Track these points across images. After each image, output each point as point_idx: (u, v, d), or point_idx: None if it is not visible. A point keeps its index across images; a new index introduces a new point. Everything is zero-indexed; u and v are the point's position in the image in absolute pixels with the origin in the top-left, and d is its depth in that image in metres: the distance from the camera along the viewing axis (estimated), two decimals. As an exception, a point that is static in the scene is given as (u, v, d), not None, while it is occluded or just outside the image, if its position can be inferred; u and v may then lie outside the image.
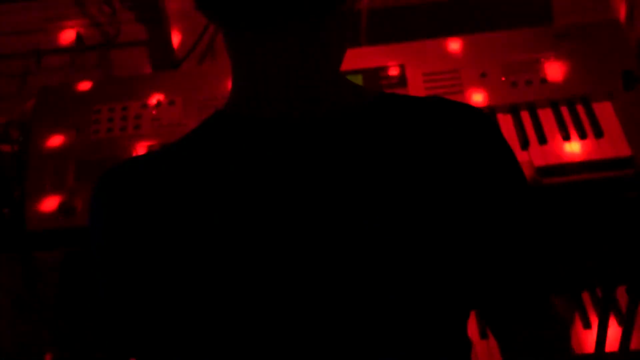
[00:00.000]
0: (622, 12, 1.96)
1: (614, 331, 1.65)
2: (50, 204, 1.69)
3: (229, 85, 0.83)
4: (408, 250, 0.77)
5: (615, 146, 1.63)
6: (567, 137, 1.66)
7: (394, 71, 1.82)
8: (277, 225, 0.77)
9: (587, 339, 1.70)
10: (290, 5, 0.74)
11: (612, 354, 1.57)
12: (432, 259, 0.78)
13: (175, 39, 2.04)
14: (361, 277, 0.77)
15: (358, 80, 1.79)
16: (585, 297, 1.79)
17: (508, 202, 0.83)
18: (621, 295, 1.71)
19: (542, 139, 1.67)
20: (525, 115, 1.73)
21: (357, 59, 1.85)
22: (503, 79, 1.77)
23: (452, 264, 0.80)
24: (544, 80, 1.75)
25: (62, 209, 1.66)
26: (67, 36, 2.10)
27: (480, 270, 0.83)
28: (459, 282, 0.82)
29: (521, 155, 1.63)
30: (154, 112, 1.82)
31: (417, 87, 1.78)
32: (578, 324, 1.74)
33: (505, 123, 1.72)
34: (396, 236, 0.77)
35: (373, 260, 0.77)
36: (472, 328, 1.77)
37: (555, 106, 1.74)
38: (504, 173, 0.83)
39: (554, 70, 1.77)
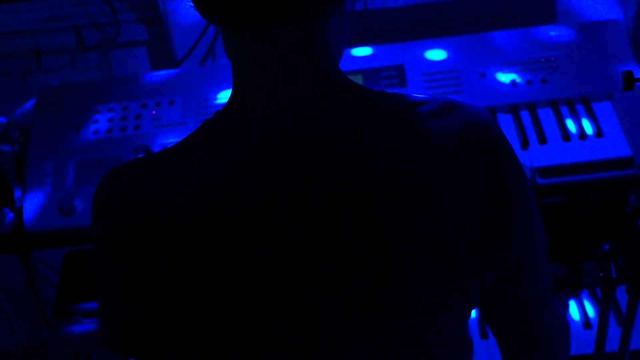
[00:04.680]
0: (622, 13, 1.97)
1: (614, 331, 1.65)
2: (50, 204, 1.69)
3: (229, 85, 0.83)
4: (408, 253, 0.77)
5: (615, 146, 1.63)
6: (567, 137, 1.66)
7: (393, 71, 1.82)
8: (275, 228, 0.77)
9: (587, 339, 1.70)
10: (289, 4, 0.74)
11: (612, 354, 1.57)
12: (431, 261, 0.78)
13: (175, 39, 2.04)
14: (360, 278, 0.77)
15: (358, 80, 1.79)
16: (585, 297, 1.79)
17: (511, 212, 0.83)
18: (621, 295, 1.71)
19: (542, 139, 1.67)
20: (525, 115, 1.73)
21: (357, 59, 1.85)
22: (503, 79, 1.77)
23: (453, 266, 0.80)
24: (544, 80, 1.75)
25: (62, 209, 1.66)
26: (67, 36, 2.10)
27: (482, 273, 0.83)
28: (460, 283, 0.82)
29: (521, 155, 1.63)
30: (153, 112, 1.82)
31: (417, 87, 1.78)
32: (578, 324, 1.73)
33: (505, 123, 1.72)
34: (395, 239, 0.77)
35: (374, 262, 0.77)
36: (472, 328, 1.77)
37: (555, 106, 1.74)
38: (508, 187, 0.82)
39: (554, 70, 1.77)
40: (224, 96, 1.81)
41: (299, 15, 0.75)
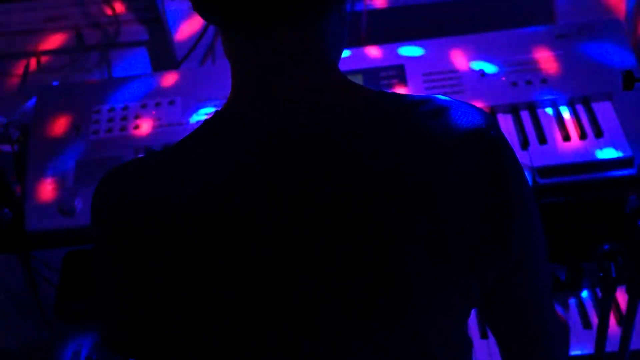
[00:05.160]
0: (622, 12, 1.96)
1: (614, 331, 1.65)
2: (50, 204, 1.69)
3: (229, 85, 0.83)
4: (408, 253, 0.77)
5: (615, 146, 1.63)
6: (567, 137, 1.66)
7: (394, 71, 1.82)
8: (275, 228, 0.77)
9: (587, 339, 1.70)
10: (289, 4, 0.74)
11: (612, 354, 1.57)
12: (431, 261, 0.78)
13: (175, 39, 2.04)
14: (360, 278, 0.77)
15: (358, 80, 1.79)
16: (585, 297, 1.79)
17: (511, 212, 0.82)
18: (621, 295, 1.71)
19: (542, 139, 1.67)
20: (525, 115, 1.73)
21: (357, 59, 1.85)
22: (503, 79, 1.77)
23: (453, 266, 0.80)
24: (544, 80, 1.75)
25: (62, 209, 1.66)
26: (67, 36, 2.10)
27: (482, 274, 0.83)
28: (460, 283, 0.82)
29: (521, 155, 1.63)
30: (153, 112, 1.82)
31: (417, 87, 1.78)
32: (578, 324, 1.73)
33: (505, 123, 1.72)
34: (395, 239, 0.77)
35: (374, 262, 0.77)
36: (472, 328, 1.77)
37: (555, 106, 1.74)
38: (508, 187, 0.82)
39: (554, 70, 1.77)
40: (224, 96, 1.80)
41: (298, 16, 0.76)
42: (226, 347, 0.80)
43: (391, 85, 1.79)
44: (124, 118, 1.82)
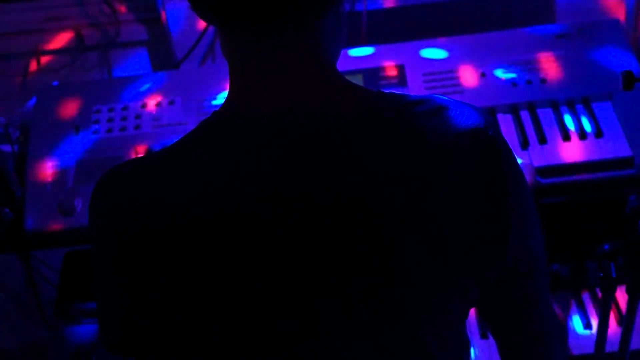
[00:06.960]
0: (622, 12, 1.97)
1: (614, 331, 1.65)
2: (50, 204, 1.69)
3: (229, 85, 0.83)
4: (407, 253, 0.77)
5: (615, 146, 1.63)
6: (567, 137, 1.66)
7: (394, 71, 1.82)
8: (274, 227, 0.77)
9: (587, 339, 1.70)
10: (287, 4, 0.74)
11: (612, 354, 1.57)
12: (430, 261, 0.78)
13: (175, 39, 2.04)
14: (360, 278, 0.77)
15: (358, 80, 1.79)
16: (585, 297, 1.79)
17: (510, 214, 0.82)
18: (621, 295, 1.71)
19: (542, 139, 1.67)
20: (525, 115, 1.73)
21: (357, 59, 1.85)
22: (503, 79, 1.77)
23: (452, 266, 0.80)
24: (544, 80, 1.75)
25: (62, 209, 1.66)
26: (67, 36, 2.10)
27: (481, 274, 0.83)
28: (460, 283, 0.82)
29: (521, 155, 1.64)
30: (154, 112, 1.82)
31: (417, 87, 1.78)
32: (578, 324, 1.74)
33: (505, 123, 1.72)
34: (395, 239, 0.77)
35: (373, 262, 0.77)
36: (472, 328, 1.77)
37: (555, 106, 1.74)
38: (505, 187, 0.82)
39: (554, 70, 1.77)
40: (224, 96, 1.80)
41: (297, 16, 0.76)
42: (226, 347, 0.80)
43: (391, 85, 1.79)
44: (124, 118, 1.82)
